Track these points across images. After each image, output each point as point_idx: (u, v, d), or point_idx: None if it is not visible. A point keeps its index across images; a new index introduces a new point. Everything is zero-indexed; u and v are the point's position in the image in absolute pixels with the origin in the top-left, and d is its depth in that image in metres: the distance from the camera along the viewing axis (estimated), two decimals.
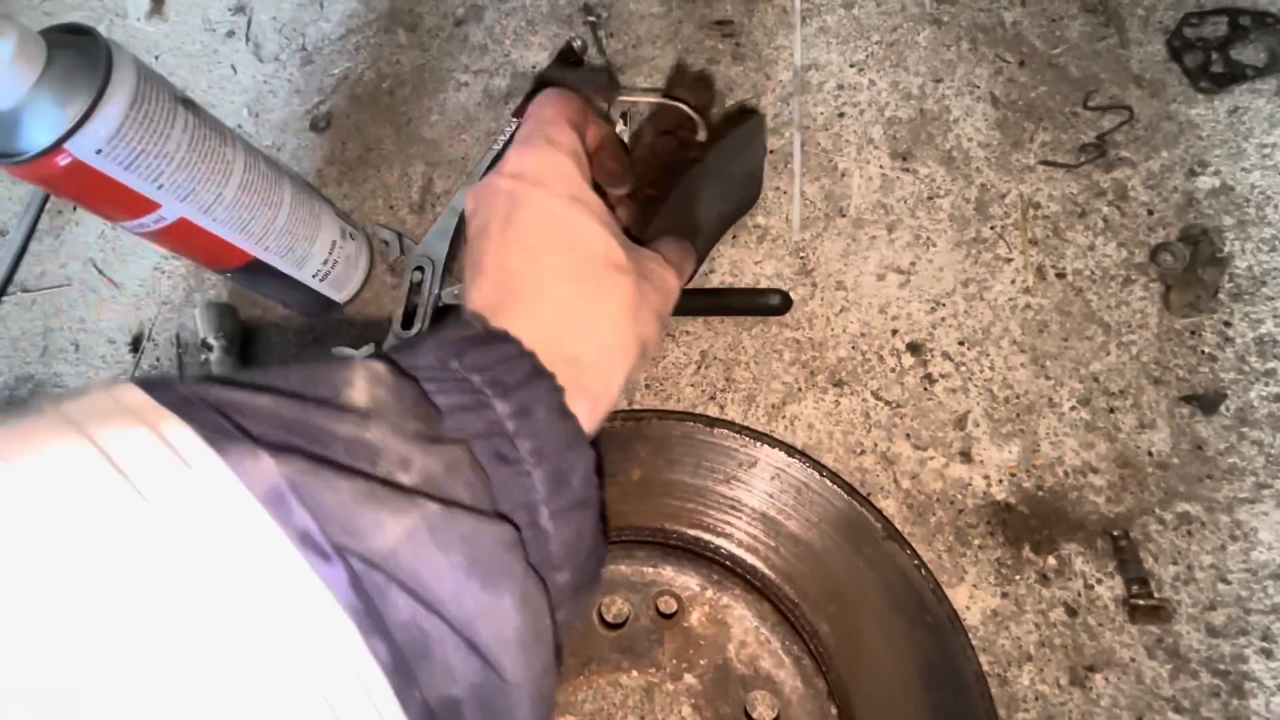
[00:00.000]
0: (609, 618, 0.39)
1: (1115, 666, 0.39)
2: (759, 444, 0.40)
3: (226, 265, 0.45)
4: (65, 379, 0.57)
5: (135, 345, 0.57)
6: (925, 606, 0.37)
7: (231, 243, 0.43)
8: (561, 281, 0.26)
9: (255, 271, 0.46)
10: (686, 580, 0.37)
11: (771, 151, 0.52)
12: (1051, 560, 0.41)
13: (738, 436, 0.40)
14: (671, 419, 0.42)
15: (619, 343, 0.26)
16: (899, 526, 0.41)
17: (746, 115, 0.53)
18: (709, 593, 0.37)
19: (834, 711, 0.35)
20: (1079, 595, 0.40)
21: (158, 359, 0.56)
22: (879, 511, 0.38)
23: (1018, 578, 0.41)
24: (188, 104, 0.39)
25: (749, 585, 0.37)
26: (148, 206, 0.38)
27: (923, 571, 0.37)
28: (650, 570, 0.38)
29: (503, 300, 0.25)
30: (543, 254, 0.26)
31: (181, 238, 0.41)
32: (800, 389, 0.46)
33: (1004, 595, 0.41)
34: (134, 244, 0.60)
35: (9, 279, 0.61)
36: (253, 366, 0.54)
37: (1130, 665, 0.39)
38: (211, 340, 0.52)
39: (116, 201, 0.37)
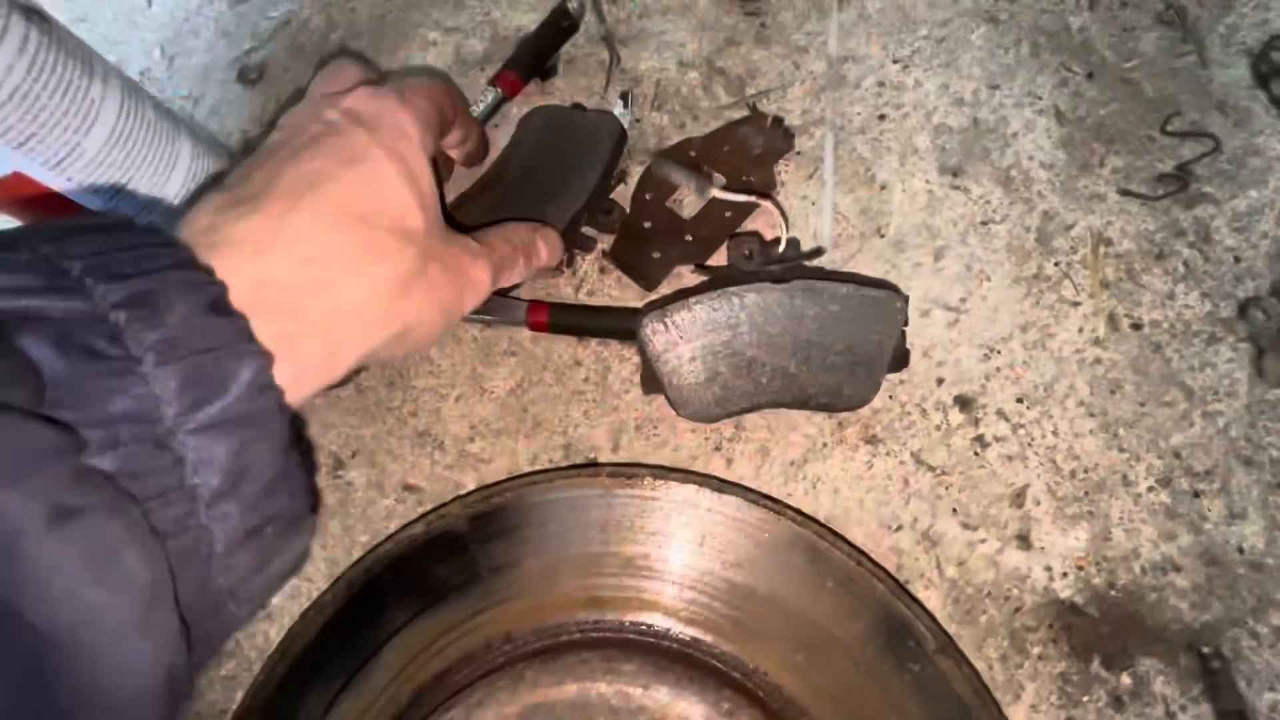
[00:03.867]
0: None
1: None
2: (780, 517, 0.32)
3: None
4: None
5: None
6: None
7: (94, 210, 0.32)
8: (327, 223, 0.22)
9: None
10: (686, 709, 0.28)
11: (798, 153, 0.44)
12: (1126, 679, 0.33)
13: (754, 506, 0.32)
14: (673, 480, 0.33)
15: (366, 315, 0.23)
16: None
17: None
18: None
19: None
20: None
21: None
22: (929, 614, 0.30)
23: (1085, 699, 0.33)
24: (33, 15, 0.28)
25: (769, 713, 0.28)
26: None
27: (985, 702, 0.29)
28: (638, 692, 0.28)
29: (240, 216, 0.21)
30: (325, 188, 0.22)
31: (17, 200, 0.30)
32: (825, 444, 0.38)
33: None
34: None
35: None
36: None
37: None
38: None
39: None
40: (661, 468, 0.34)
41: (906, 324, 0.36)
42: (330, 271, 0.22)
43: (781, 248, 0.37)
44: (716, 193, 0.39)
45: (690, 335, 0.35)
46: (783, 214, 0.39)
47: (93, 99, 0.30)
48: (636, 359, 0.40)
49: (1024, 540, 0.36)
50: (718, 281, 0.36)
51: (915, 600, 0.30)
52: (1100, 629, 0.34)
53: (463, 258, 0.27)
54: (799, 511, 0.32)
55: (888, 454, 0.37)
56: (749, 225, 0.41)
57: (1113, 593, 0.35)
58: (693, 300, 0.35)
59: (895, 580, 0.31)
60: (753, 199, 0.39)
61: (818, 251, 0.40)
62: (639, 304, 0.41)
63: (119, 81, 0.31)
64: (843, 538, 0.31)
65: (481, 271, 0.28)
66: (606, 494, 0.32)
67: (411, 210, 0.24)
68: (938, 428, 0.38)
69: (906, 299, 0.35)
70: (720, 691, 0.28)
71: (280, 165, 0.23)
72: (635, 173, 0.44)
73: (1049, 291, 0.40)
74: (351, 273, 0.22)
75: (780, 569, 0.31)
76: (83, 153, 0.30)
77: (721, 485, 0.33)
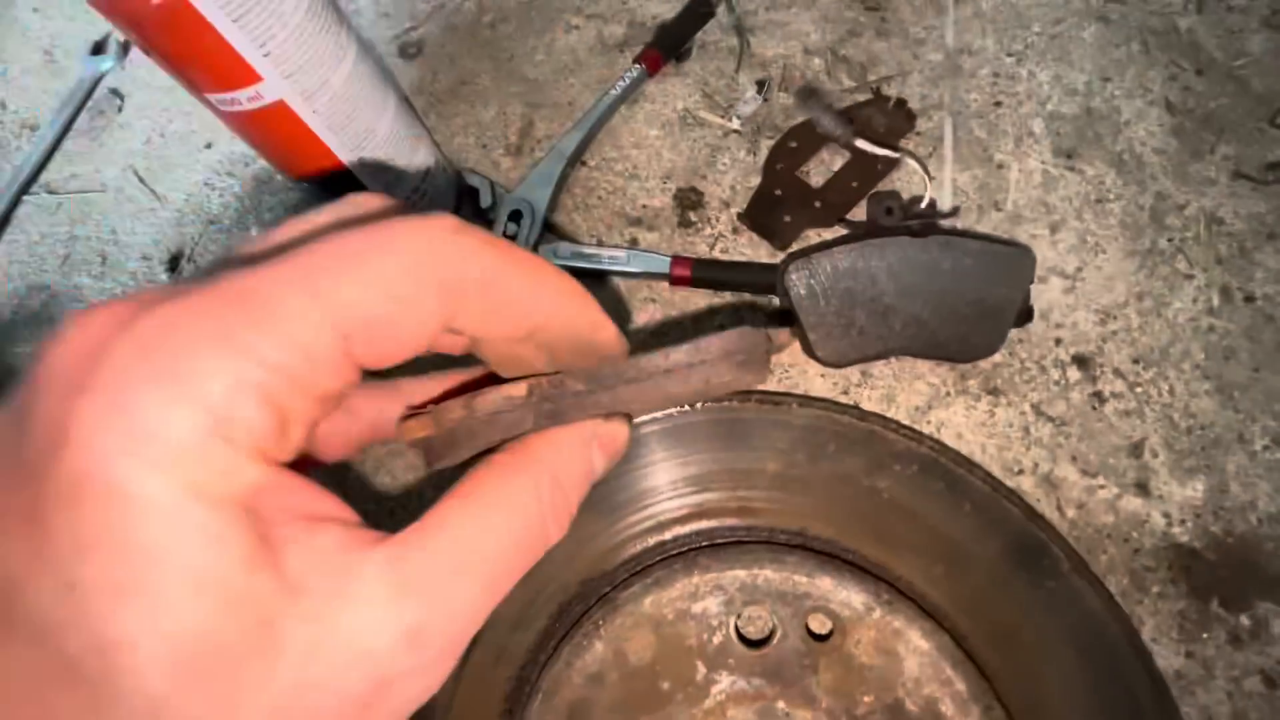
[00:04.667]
0: (748, 632, 0.32)
1: None
2: (919, 445, 0.34)
3: (309, 170, 0.38)
4: (87, 293, 0.50)
5: (173, 265, 0.50)
6: (1120, 660, 0.31)
7: (326, 143, 0.36)
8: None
9: (338, 187, 0.39)
10: (848, 596, 0.31)
11: (918, 133, 0.47)
12: (1245, 620, 0.35)
13: (894, 434, 0.35)
14: (815, 406, 0.36)
15: None
16: None
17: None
18: (876, 614, 0.31)
19: None
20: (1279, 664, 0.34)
21: None
22: (1063, 538, 0.32)
23: (1205, 635, 0.35)
24: None
25: (921, 610, 0.31)
26: (248, 76, 0.31)
27: (1116, 617, 0.31)
28: (804, 580, 0.31)
29: None
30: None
31: (272, 126, 0.34)
32: (949, 393, 0.41)
33: (1189, 655, 0.35)
34: (183, 154, 0.53)
35: (34, 177, 0.54)
36: None
37: None
38: None
39: (213, 62, 0.31)
40: (806, 396, 0.37)
41: (1032, 281, 0.39)
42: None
43: (924, 203, 0.40)
44: (861, 143, 0.43)
45: (832, 282, 0.39)
46: (924, 168, 0.42)
47: (342, 43, 0.34)
48: (769, 309, 0.43)
49: (1142, 488, 0.38)
50: (857, 235, 0.39)
51: (1055, 531, 0.33)
52: (1218, 572, 0.36)
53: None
54: (937, 441, 0.35)
55: (1008, 404, 0.40)
56: (861, 211, 0.45)
57: (1230, 540, 0.36)
58: (836, 249, 0.38)
59: (1029, 506, 0.33)
60: (893, 153, 0.42)
61: (954, 211, 0.43)
62: (773, 261, 0.44)
63: (354, 31, 0.36)
64: (978, 466, 0.34)
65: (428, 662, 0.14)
66: (757, 417, 0.35)
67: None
68: (1056, 383, 0.40)
69: (1035, 257, 0.38)
70: (879, 584, 0.31)
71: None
72: (766, 147, 0.48)
73: (1163, 265, 0.42)
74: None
75: (920, 491, 0.33)
76: (330, 88, 0.34)
77: (863, 414, 0.35)
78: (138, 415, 0.11)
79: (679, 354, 0.18)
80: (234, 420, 0.12)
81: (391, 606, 0.13)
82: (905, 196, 0.42)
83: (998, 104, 0.48)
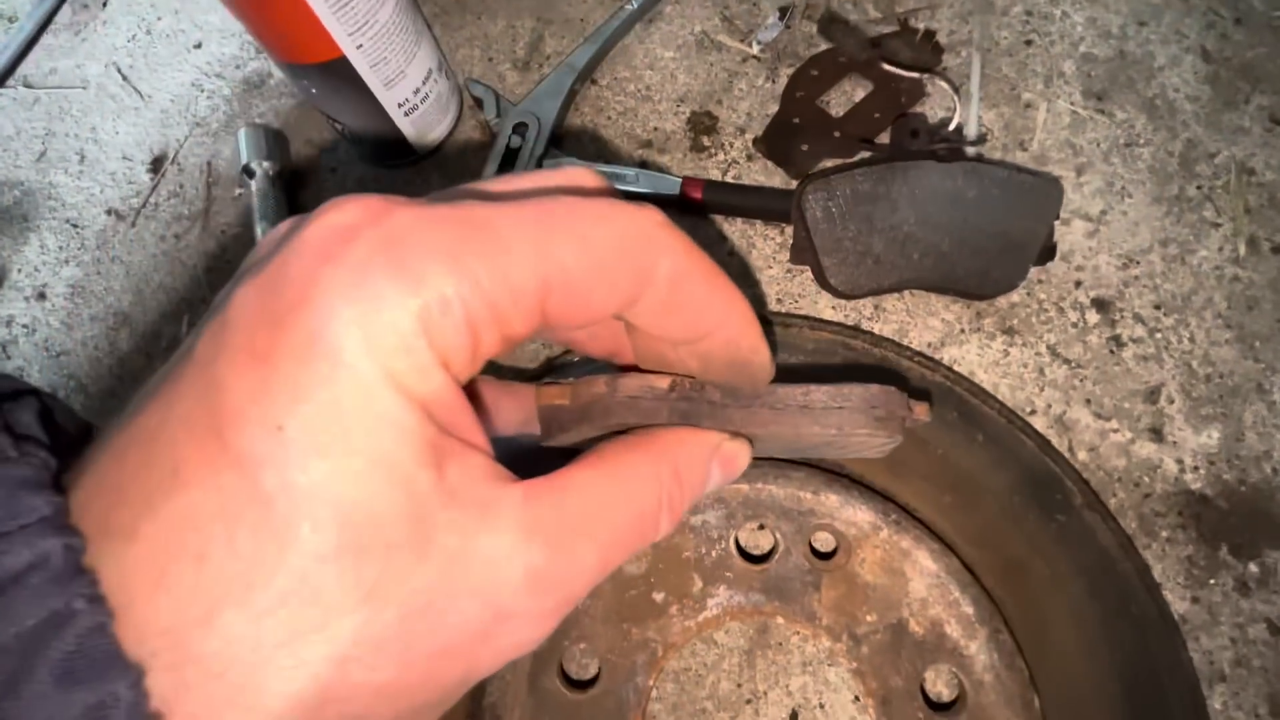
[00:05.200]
0: (749, 547, 0.31)
1: None
2: (933, 373, 0.33)
3: (306, 56, 0.36)
4: (63, 192, 0.47)
5: (155, 167, 0.47)
6: (1130, 596, 0.30)
7: (325, 25, 0.34)
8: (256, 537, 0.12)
9: (335, 76, 0.37)
10: (854, 514, 0.30)
11: (945, 69, 0.45)
12: (1253, 567, 0.34)
13: (907, 360, 0.33)
14: (826, 330, 0.34)
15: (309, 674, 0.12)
16: None
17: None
18: (883, 534, 0.30)
19: (1037, 703, 0.27)
20: None
21: (180, 186, 0.47)
22: (1076, 473, 0.31)
23: (1212, 581, 0.34)
24: None
25: (930, 532, 0.30)
26: None
27: (1128, 553, 0.30)
28: (809, 497, 0.30)
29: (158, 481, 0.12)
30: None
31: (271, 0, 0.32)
32: (963, 330, 0.39)
33: (1194, 600, 0.34)
34: (171, 53, 0.51)
35: (10, 70, 0.51)
36: (299, 210, 0.45)
37: None
38: (255, 165, 0.43)
39: None
40: (819, 319, 0.36)
41: (1058, 215, 0.37)
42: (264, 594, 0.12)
43: (951, 127, 0.38)
44: (887, 66, 0.41)
45: (850, 206, 0.37)
46: (954, 90, 0.40)
47: None
48: (780, 239, 0.42)
49: (1156, 434, 0.37)
50: (880, 159, 0.38)
51: (1070, 466, 0.31)
52: (1229, 520, 0.35)
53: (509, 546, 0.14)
54: (951, 370, 0.33)
55: (1024, 345, 0.39)
56: (885, 137, 0.43)
57: (1243, 489, 0.35)
58: (857, 172, 0.37)
59: (1043, 438, 0.32)
60: (919, 75, 0.40)
61: (981, 139, 0.41)
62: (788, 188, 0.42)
63: None
64: (993, 397, 0.33)
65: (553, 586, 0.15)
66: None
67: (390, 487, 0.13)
68: (1074, 325, 0.39)
69: (1062, 189, 0.36)
70: (887, 503, 0.30)
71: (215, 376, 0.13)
72: (786, 76, 0.46)
73: (1190, 212, 0.41)
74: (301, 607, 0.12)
75: (933, 419, 0.32)
76: (374, 23, 0.32)
77: (876, 340, 0.34)
78: (373, 296, 0.12)
79: (819, 393, 0.18)
80: (442, 329, 0.13)
81: (521, 544, 0.14)
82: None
83: (1028, 42, 0.46)
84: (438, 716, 0.15)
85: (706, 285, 0.16)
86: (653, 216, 0.15)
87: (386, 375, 0.12)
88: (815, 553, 0.30)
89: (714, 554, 0.30)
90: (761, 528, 0.32)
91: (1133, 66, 0.45)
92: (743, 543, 0.31)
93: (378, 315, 0.12)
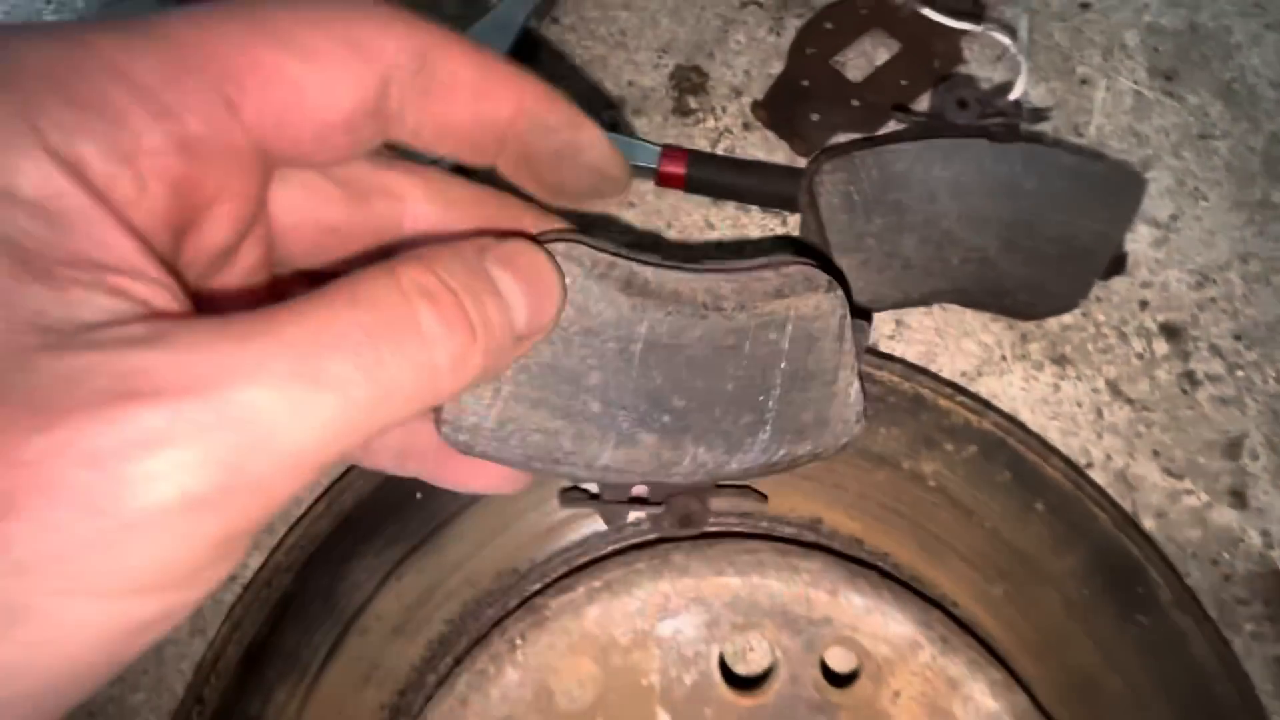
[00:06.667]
0: (740, 668, 0.22)
1: None
2: (981, 418, 0.25)
3: None
4: None
5: None
6: None
7: None
8: None
9: None
10: (883, 624, 0.21)
11: (986, 30, 0.37)
12: None
13: (947, 401, 0.25)
14: None
15: None
16: None
17: None
18: (924, 655, 0.21)
19: None
20: None
21: None
22: (1163, 558, 0.24)
23: None
24: None
25: (988, 651, 0.22)
26: None
27: (1230, 670, 0.23)
28: (823, 598, 0.21)
29: None
30: None
31: None
32: (1004, 357, 0.31)
33: None
34: None
35: None
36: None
37: None
38: None
39: None
40: None
41: (1132, 219, 0.29)
42: None
43: (1011, 96, 0.30)
44: (928, 12, 0.32)
45: (878, 192, 0.29)
46: (1013, 42, 0.32)
47: None
48: (783, 229, 0.33)
49: (1238, 497, 0.30)
50: (915, 133, 0.29)
51: (1146, 538, 0.24)
52: None
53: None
54: (1004, 414, 0.26)
55: (1078, 378, 0.31)
56: (922, 104, 0.35)
57: None
58: (887, 148, 0.28)
59: (1121, 510, 0.25)
60: (969, 26, 0.32)
61: (1046, 113, 0.33)
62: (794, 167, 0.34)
63: None
64: (1057, 451, 0.25)
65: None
66: None
67: None
68: (1139, 356, 0.32)
69: (1145, 185, 0.29)
70: (928, 609, 0.22)
71: None
72: (793, 28, 0.37)
73: (1275, 221, 0.34)
74: None
75: (979, 482, 0.24)
76: None
77: (909, 370, 0.26)
78: None
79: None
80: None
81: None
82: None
83: (1085, 5, 0.38)
84: None
85: (465, 57, 0.14)
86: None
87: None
88: (829, 676, 0.22)
89: (688, 678, 0.21)
90: (752, 647, 0.23)
91: (1205, 42, 0.37)
92: (729, 660, 0.22)
93: None
